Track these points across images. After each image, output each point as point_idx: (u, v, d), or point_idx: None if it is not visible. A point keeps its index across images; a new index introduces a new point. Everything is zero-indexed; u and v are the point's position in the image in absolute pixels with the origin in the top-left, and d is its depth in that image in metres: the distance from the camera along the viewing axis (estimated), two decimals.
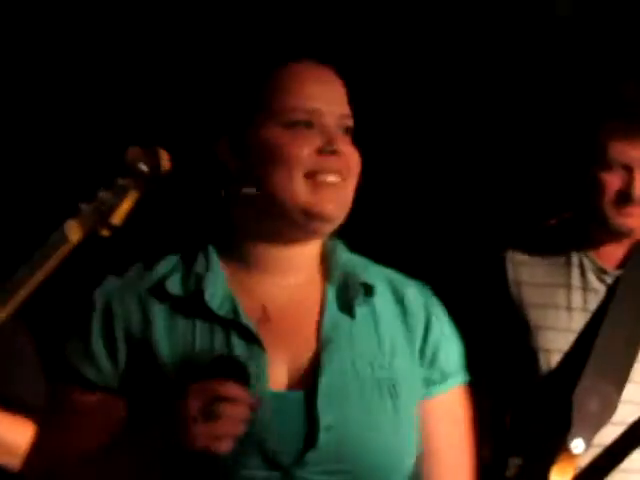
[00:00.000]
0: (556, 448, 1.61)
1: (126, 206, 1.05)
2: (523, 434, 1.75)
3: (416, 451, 0.99)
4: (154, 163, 0.98)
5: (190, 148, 1.10)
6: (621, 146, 1.65)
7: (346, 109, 1.01)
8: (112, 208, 1.05)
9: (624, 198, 1.64)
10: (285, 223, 0.96)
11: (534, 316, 1.79)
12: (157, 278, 1.00)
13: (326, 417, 0.92)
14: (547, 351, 1.77)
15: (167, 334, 0.96)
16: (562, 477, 1.58)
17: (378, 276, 1.05)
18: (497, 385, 1.81)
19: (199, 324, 0.97)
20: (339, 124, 0.98)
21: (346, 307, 1.00)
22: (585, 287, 1.80)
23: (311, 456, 0.92)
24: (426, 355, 1.03)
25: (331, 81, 1.01)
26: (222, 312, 0.96)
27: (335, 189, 0.96)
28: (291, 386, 0.96)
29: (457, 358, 1.07)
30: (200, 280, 0.97)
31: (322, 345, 0.97)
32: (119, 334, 0.97)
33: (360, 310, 1.00)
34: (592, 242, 1.78)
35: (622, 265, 1.80)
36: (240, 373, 0.88)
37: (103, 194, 1.06)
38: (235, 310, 0.96)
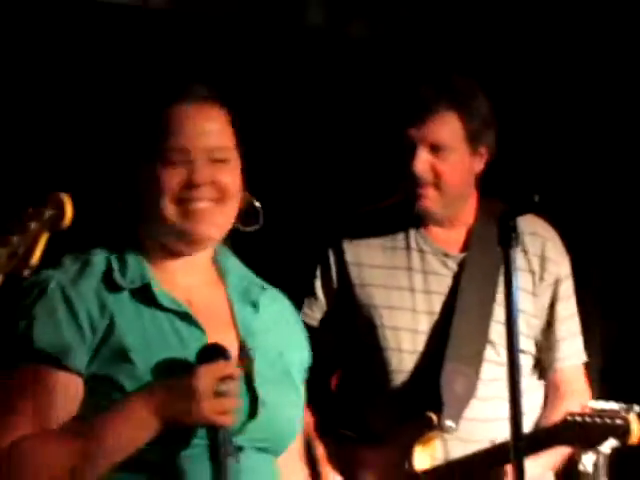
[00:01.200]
0: (423, 425, 1.78)
1: (41, 246, 1.08)
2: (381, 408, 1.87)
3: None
4: (58, 209, 1.03)
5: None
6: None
7: (219, 142, 1.18)
8: (29, 251, 1.07)
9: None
10: (169, 240, 1.18)
11: (379, 296, 1.90)
12: (101, 271, 1.15)
13: (262, 394, 1.13)
14: (395, 329, 1.88)
15: (124, 319, 1.11)
16: (426, 450, 1.80)
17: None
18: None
19: (147, 311, 1.14)
20: (209, 157, 1.16)
21: (250, 304, 1.23)
22: (426, 270, 1.90)
23: (251, 426, 1.11)
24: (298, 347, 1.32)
25: (207, 118, 1.19)
26: (166, 303, 1.15)
27: (207, 213, 1.16)
28: None
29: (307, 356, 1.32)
30: (143, 276, 1.16)
31: (243, 335, 1.18)
32: (83, 318, 1.10)
33: (262, 305, 1.24)
34: (426, 226, 1.89)
35: (463, 249, 1.90)
36: (226, 356, 1.07)
37: (16, 239, 1.08)
38: (174, 301, 1.16)
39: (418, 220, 1.89)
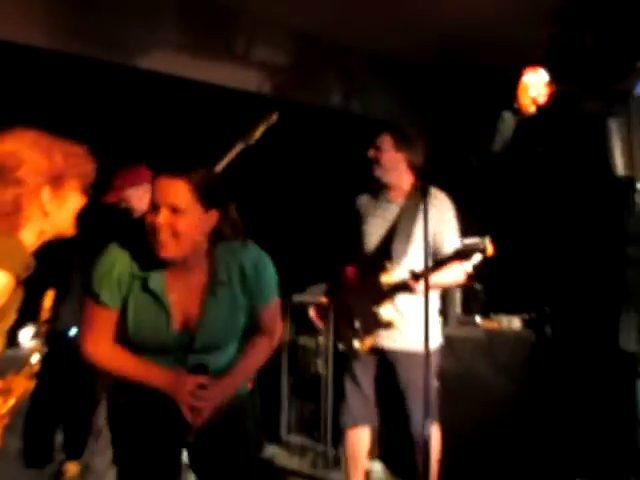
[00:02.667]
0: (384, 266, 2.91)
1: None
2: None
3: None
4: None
5: None
6: None
7: (173, 200, 1.73)
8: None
9: None
10: None
11: (367, 220, 3.09)
12: (128, 260, 1.84)
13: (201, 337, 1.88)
14: (370, 234, 3.07)
15: (133, 296, 1.84)
16: (387, 275, 2.88)
17: (234, 255, 1.90)
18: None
19: (148, 299, 1.85)
20: (168, 207, 1.73)
21: (219, 282, 1.88)
22: (385, 208, 3.06)
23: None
24: (252, 289, 1.94)
25: (168, 185, 1.74)
26: (153, 287, 1.84)
27: (166, 243, 1.74)
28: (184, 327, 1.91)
29: (270, 287, 2.00)
30: (149, 280, 1.84)
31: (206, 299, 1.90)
32: (122, 282, 1.83)
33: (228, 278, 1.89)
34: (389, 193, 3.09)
35: (404, 200, 3.03)
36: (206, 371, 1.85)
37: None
38: (164, 295, 1.85)
39: (385, 191, 3.09)
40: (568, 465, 3.26)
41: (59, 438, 3.76)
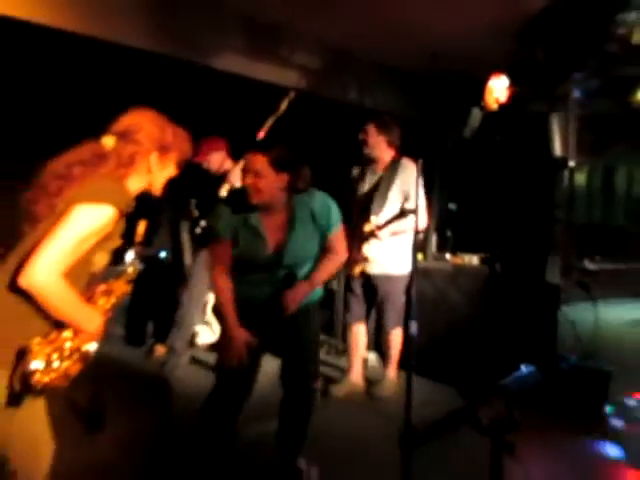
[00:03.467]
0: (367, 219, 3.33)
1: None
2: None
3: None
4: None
5: None
6: None
7: (255, 168, 2.12)
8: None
9: None
10: None
11: (357, 186, 3.56)
12: (231, 210, 2.16)
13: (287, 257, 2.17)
14: (359, 195, 3.59)
15: (239, 232, 2.16)
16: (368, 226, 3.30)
17: (305, 202, 2.19)
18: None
19: (249, 233, 2.15)
20: (253, 172, 2.11)
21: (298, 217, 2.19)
22: (370, 177, 3.49)
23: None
24: (320, 223, 2.23)
25: (253, 158, 2.13)
26: (253, 223, 2.15)
27: (253, 195, 2.11)
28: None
29: (334, 219, 2.26)
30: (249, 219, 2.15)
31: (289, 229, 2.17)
32: (231, 224, 2.15)
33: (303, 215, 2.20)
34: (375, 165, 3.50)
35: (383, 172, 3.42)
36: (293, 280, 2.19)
37: None
38: (260, 227, 2.15)
39: (372, 164, 3.47)
40: (510, 357, 3.47)
41: (150, 327, 4.22)
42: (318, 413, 2.88)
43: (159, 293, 4.18)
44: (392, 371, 3.62)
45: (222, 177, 3.61)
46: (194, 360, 3.92)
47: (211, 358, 3.82)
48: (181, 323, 3.66)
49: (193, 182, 3.77)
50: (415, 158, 3.39)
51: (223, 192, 3.46)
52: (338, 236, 2.30)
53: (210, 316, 4.26)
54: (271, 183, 2.09)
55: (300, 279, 2.22)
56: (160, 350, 3.87)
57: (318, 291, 2.35)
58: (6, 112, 4.04)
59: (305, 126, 3.53)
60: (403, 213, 3.23)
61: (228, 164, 3.71)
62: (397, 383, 3.57)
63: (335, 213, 2.27)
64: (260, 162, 2.07)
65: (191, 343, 4.03)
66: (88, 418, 2.67)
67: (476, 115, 3.77)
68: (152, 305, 4.20)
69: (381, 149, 3.42)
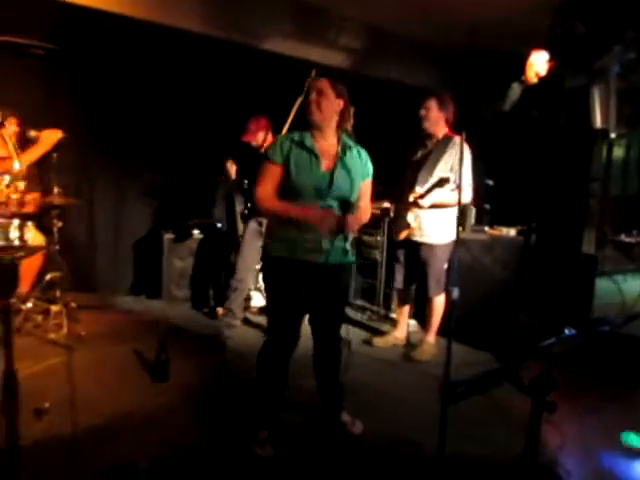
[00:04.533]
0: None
1: None
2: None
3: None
4: None
5: None
6: None
7: (320, 86, 2.19)
8: None
9: None
10: None
11: (410, 159, 3.45)
12: (287, 137, 2.19)
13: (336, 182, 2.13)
14: (410, 167, 3.42)
15: (292, 154, 2.15)
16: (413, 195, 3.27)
17: (351, 145, 2.22)
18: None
19: (304, 152, 2.14)
20: (317, 90, 2.21)
21: (344, 152, 2.19)
22: (423, 151, 3.38)
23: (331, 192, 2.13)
24: (360, 166, 2.23)
25: (319, 80, 2.22)
26: (307, 144, 2.16)
27: (314, 111, 2.18)
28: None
29: (369, 168, 2.28)
30: (304, 140, 2.16)
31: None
32: (284, 149, 2.15)
33: (348, 153, 2.19)
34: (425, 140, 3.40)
35: (434, 146, 3.33)
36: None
37: None
38: (315, 147, 2.15)
39: (427, 139, 3.39)
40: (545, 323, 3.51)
41: (211, 292, 4.34)
42: (360, 369, 2.89)
43: (218, 260, 4.25)
44: (431, 336, 3.56)
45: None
46: (247, 321, 3.99)
47: (262, 320, 3.86)
48: (236, 287, 3.71)
49: (243, 160, 3.77)
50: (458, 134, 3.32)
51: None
52: (368, 187, 2.32)
53: (261, 282, 4.29)
54: (331, 104, 2.16)
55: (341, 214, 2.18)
56: (220, 312, 3.96)
57: (352, 257, 2.31)
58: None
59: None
60: (441, 182, 3.15)
61: (269, 140, 3.68)
62: (435, 348, 3.52)
63: (370, 166, 2.29)
64: (324, 83, 2.17)
65: (245, 306, 4.08)
66: (154, 369, 2.73)
67: (516, 89, 3.62)
68: (212, 271, 4.29)
69: (439, 125, 3.33)
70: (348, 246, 2.25)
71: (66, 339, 3.19)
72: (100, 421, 2.26)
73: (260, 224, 3.58)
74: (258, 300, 4.32)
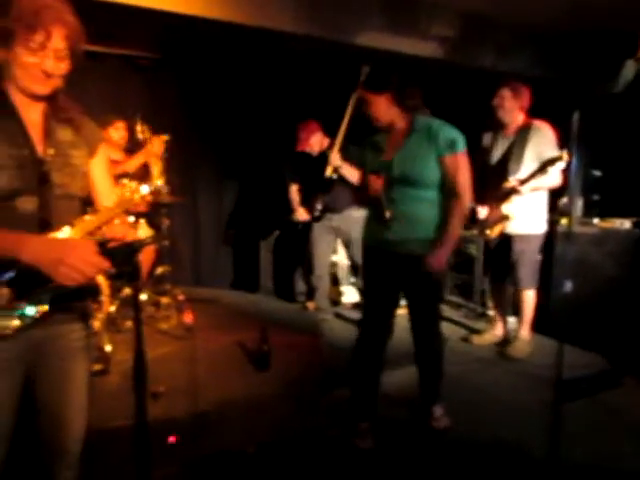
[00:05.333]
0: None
1: None
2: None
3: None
4: None
5: None
6: None
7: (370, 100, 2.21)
8: None
9: None
10: None
11: (491, 151, 3.35)
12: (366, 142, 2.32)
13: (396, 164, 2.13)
14: (493, 158, 3.33)
15: (366, 152, 2.29)
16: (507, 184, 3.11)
17: (423, 125, 2.14)
18: None
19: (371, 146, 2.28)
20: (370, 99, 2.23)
21: (408, 135, 2.14)
22: (502, 142, 3.29)
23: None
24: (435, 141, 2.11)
25: (370, 96, 2.20)
26: (378, 140, 2.27)
27: (375, 119, 2.25)
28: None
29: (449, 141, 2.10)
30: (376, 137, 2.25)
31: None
32: (361, 149, 2.34)
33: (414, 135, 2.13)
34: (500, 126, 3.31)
35: (513, 135, 3.22)
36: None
37: None
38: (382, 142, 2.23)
39: (502, 129, 3.30)
40: None
41: (300, 285, 4.37)
42: (457, 367, 2.82)
43: (299, 255, 4.31)
44: (525, 331, 3.40)
45: (324, 157, 3.51)
46: (339, 316, 4.03)
47: (354, 315, 3.89)
48: (316, 284, 3.80)
49: (303, 169, 3.78)
50: (550, 120, 3.20)
51: (329, 172, 3.37)
52: (457, 162, 2.11)
53: (353, 277, 4.31)
54: (378, 106, 2.12)
55: (417, 200, 2.14)
56: (311, 306, 4.06)
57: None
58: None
59: (438, 93, 3.30)
60: (544, 167, 2.96)
61: (326, 142, 3.66)
62: (530, 344, 3.35)
63: (453, 136, 2.11)
64: (363, 93, 2.17)
65: (337, 301, 4.13)
66: (257, 359, 2.84)
67: (630, 67, 3.28)
68: (298, 262, 4.35)
69: (514, 113, 3.24)
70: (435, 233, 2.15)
71: (175, 329, 3.41)
72: (208, 407, 2.38)
73: (330, 220, 3.64)
74: (351, 296, 4.33)
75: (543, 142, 3.12)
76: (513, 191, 3.11)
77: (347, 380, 2.39)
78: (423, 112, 2.23)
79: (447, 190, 2.13)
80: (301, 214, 3.77)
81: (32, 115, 1.25)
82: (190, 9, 3.25)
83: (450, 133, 2.11)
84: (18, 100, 1.23)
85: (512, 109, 3.24)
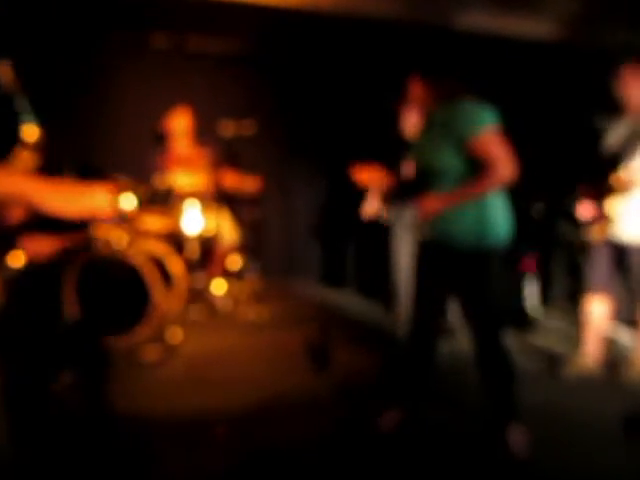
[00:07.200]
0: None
1: None
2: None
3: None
4: None
5: None
6: None
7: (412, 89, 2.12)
8: None
9: None
10: None
11: (606, 134, 2.86)
12: None
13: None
14: (606, 145, 2.83)
15: None
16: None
17: (444, 109, 1.96)
18: None
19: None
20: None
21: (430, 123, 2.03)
22: (624, 125, 2.79)
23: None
24: (455, 128, 1.92)
25: (414, 82, 2.12)
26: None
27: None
28: None
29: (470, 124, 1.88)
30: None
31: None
32: None
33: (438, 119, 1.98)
34: None
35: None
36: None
37: None
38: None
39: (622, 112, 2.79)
40: None
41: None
42: (543, 394, 2.47)
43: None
44: None
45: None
46: None
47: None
48: (394, 287, 3.59)
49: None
50: None
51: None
52: (485, 144, 1.86)
53: None
54: (420, 102, 2.10)
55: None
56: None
57: (493, 238, 1.93)
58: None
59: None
60: None
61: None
62: None
63: (475, 117, 1.88)
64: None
65: None
66: (316, 355, 2.78)
67: None
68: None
69: (638, 94, 2.75)
70: (483, 228, 1.91)
71: (253, 321, 3.44)
72: (263, 401, 2.37)
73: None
74: None
75: None
76: (623, 186, 2.65)
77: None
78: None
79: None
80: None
81: None
82: (287, 2, 3.24)
83: (474, 116, 1.89)
84: None
85: (636, 90, 2.75)
